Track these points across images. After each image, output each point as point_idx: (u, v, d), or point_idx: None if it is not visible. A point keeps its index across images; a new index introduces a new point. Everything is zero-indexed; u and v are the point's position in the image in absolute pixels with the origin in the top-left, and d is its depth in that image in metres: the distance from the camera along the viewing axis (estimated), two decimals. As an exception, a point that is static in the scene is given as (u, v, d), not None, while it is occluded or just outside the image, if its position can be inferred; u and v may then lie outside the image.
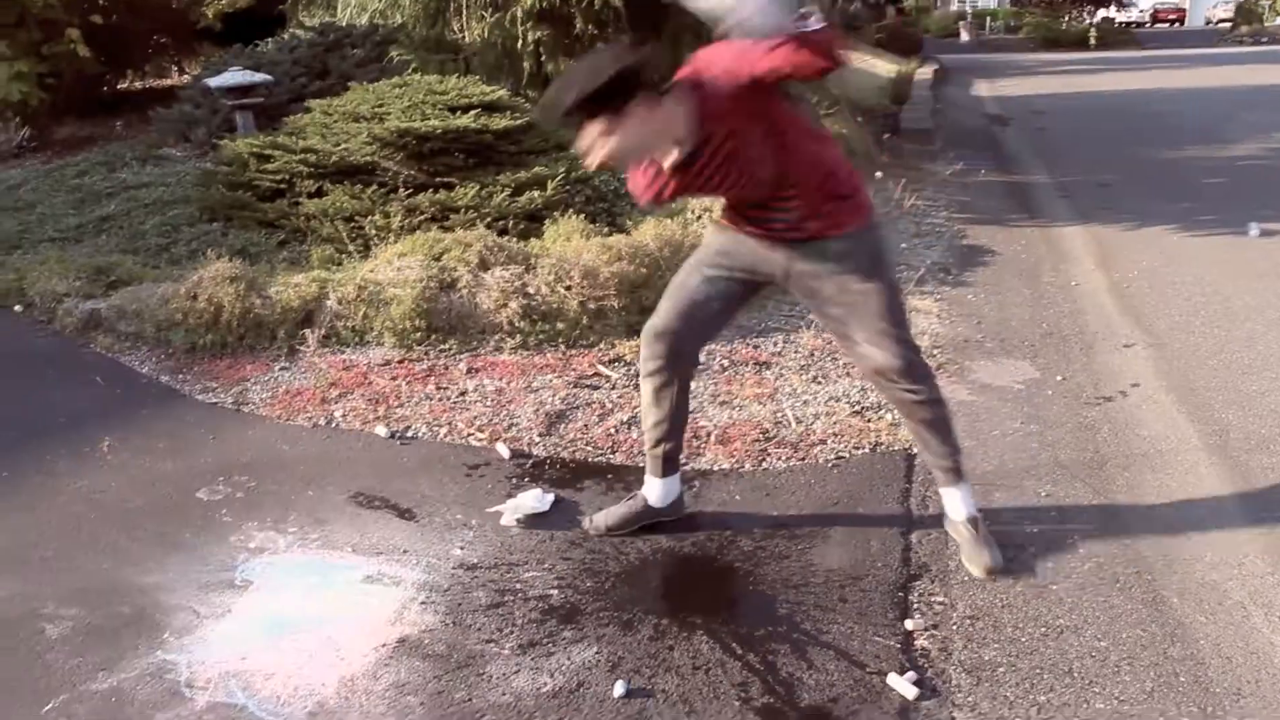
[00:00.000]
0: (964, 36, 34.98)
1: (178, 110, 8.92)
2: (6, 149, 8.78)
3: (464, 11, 8.22)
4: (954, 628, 2.85)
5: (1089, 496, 3.55)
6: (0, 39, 8.90)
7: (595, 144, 2.66)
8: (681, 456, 3.39)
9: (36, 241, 6.36)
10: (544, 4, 7.38)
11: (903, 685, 2.60)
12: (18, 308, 5.50)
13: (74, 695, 2.61)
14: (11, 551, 3.28)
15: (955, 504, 3.20)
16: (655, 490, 3.34)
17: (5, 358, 4.91)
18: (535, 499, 3.50)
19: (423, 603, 2.97)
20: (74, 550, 3.29)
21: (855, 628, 2.85)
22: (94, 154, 8.49)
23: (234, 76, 7.76)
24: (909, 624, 2.86)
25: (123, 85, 11.37)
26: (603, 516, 3.35)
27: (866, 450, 3.92)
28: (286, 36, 9.36)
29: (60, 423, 4.21)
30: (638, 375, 4.48)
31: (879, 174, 9.06)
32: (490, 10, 7.92)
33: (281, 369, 4.67)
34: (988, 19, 38.52)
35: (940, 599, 2.99)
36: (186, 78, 11.15)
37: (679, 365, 3.18)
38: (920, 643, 2.79)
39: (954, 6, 43.99)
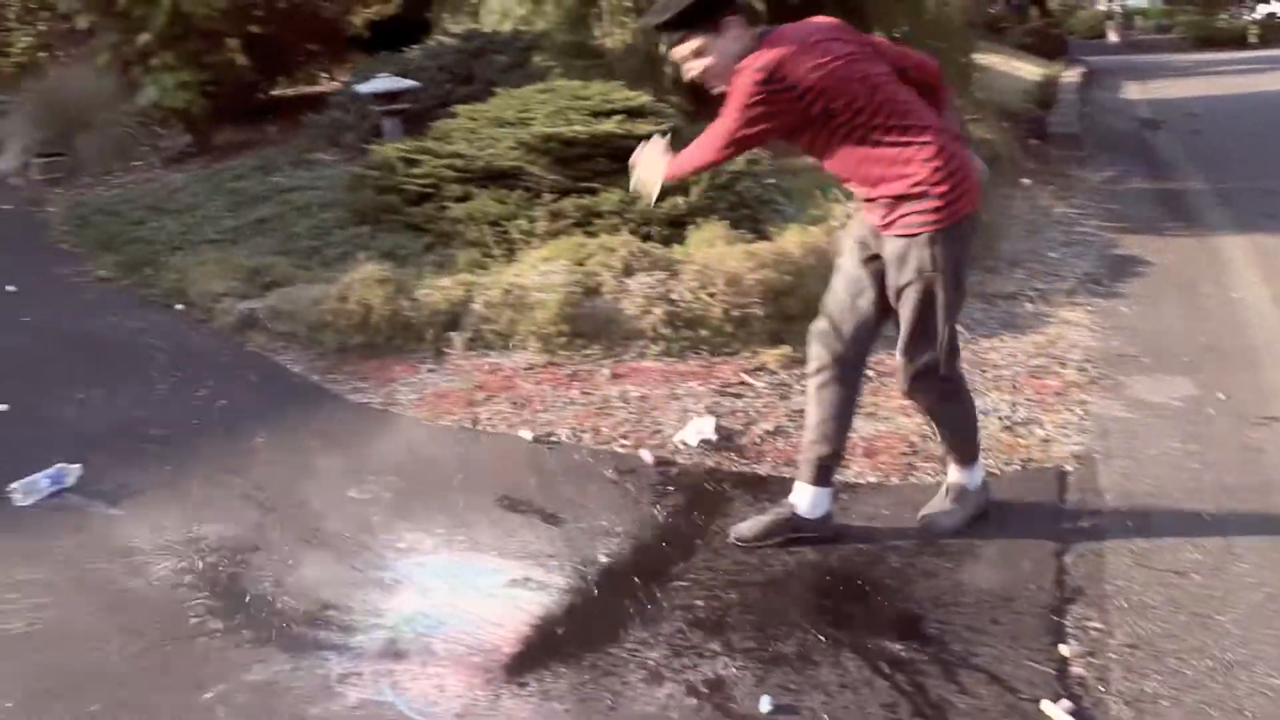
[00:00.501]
0: (1112, 37, 33.85)
1: (328, 116, 9.14)
2: (170, 154, 9.14)
3: (605, 17, 8.26)
4: (1112, 656, 2.75)
5: (1257, 522, 3.38)
6: (167, 50, 9.26)
7: (689, 59, 2.97)
8: (837, 473, 3.37)
9: (196, 243, 6.60)
10: (687, 9, 7.36)
11: (1058, 714, 2.51)
12: (179, 306, 5.72)
13: (232, 685, 2.69)
14: (175, 544, 3.40)
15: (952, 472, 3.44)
16: (804, 499, 3.30)
17: (167, 354, 5.10)
18: (708, 426, 3.95)
19: (568, 608, 2.99)
20: (232, 545, 3.39)
21: (1007, 651, 2.77)
22: (249, 158, 8.78)
23: (382, 83, 7.94)
24: (1064, 649, 2.77)
25: (276, 92, 11.71)
26: (747, 526, 3.33)
27: (1017, 466, 3.82)
28: (432, 43, 9.53)
29: (218, 418, 4.36)
30: (782, 384, 4.48)
31: (1026, 180, 8.83)
32: (632, 16, 7.95)
33: (429, 371, 4.76)
34: (1137, 18, 37.18)
35: (1097, 625, 2.88)
36: (336, 84, 11.44)
37: (837, 365, 3.17)
38: (1076, 670, 2.70)
39: (1100, 6, 42.59)
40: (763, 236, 5.52)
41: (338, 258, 5.89)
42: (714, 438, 3.98)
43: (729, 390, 4.46)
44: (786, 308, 4.90)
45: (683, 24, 2.92)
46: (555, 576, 3.14)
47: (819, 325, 3.20)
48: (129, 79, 9.58)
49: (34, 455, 3.97)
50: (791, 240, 5.17)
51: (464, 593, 3.08)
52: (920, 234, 2.93)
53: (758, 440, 4.03)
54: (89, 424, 4.33)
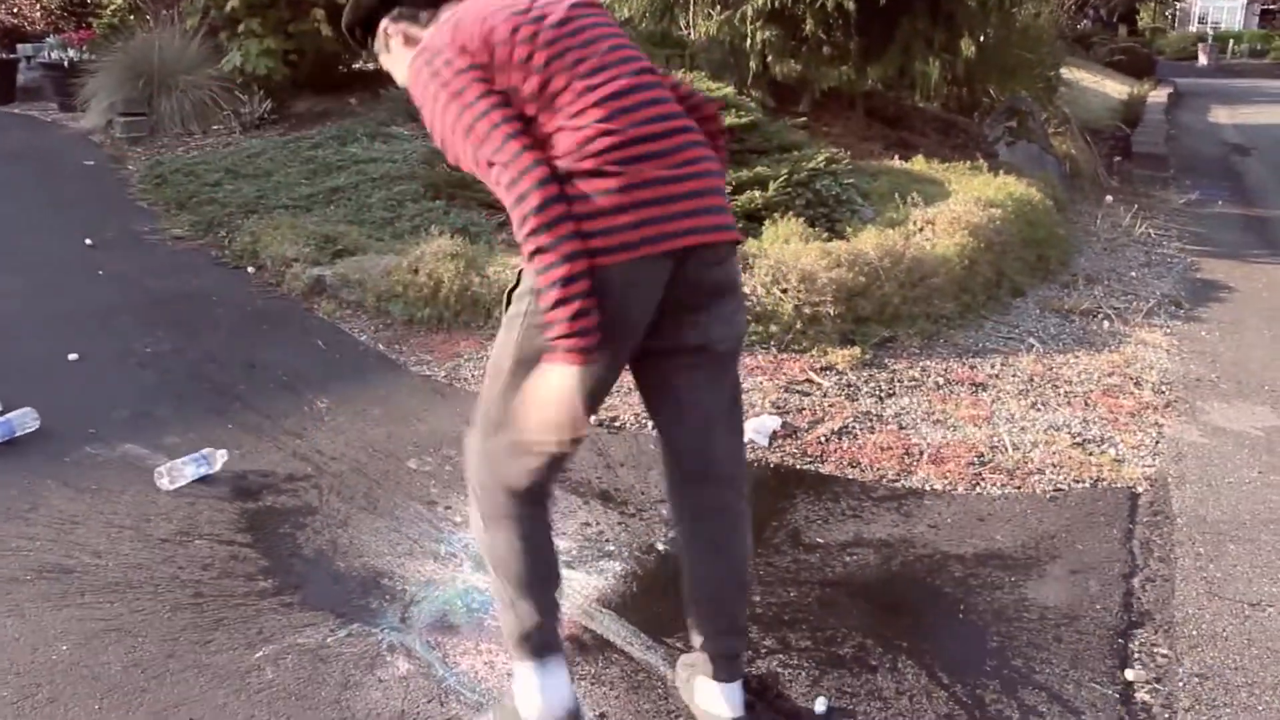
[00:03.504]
0: (1202, 60, 33.24)
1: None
2: (249, 120, 9.22)
3: (692, 7, 8.24)
4: (1180, 684, 2.66)
5: (1338, 557, 3.27)
6: (253, 17, 9.37)
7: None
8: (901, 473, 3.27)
9: (271, 208, 6.65)
10: (774, 4, 7.31)
11: (1122, 740, 2.44)
12: (250, 268, 5.76)
13: (282, 647, 2.69)
14: (233, 502, 3.41)
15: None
16: None
17: (236, 314, 5.14)
18: (769, 425, 3.96)
19: (623, 594, 2.95)
20: (289, 507, 3.40)
21: (1070, 671, 2.69)
22: (327, 128, 8.83)
23: (464, 60, 7.95)
24: (1129, 674, 2.69)
25: (357, 65, 11.78)
26: None
27: (1087, 484, 3.73)
28: (516, 25, 9.53)
29: (282, 380, 4.37)
30: (850, 385, 4.41)
31: (1108, 198, 8.67)
32: (719, 8, 7.90)
33: (494, 348, 4.74)
34: (1230, 42, 36.43)
35: (1164, 651, 2.80)
36: (417, 60, 11.50)
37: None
38: (1141, 696, 2.62)
39: (1193, 28, 41.80)
40: (838, 235, 5.45)
41: (410, 230, 5.91)
42: (765, 443, 3.92)
43: (796, 387, 4.40)
44: (859, 308, 4.83)
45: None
46: (612, 562, 3.11)
47: None
48: (214, 44, 9.70)
49: (99, 405, 4.04)
50: (868, 241, 5.10)
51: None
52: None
53: (822, 439, 3.97)
54: (155, 378, 4.37)
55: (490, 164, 1.97)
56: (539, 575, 2.26)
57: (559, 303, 1.90)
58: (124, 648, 2.66)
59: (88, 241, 6.22)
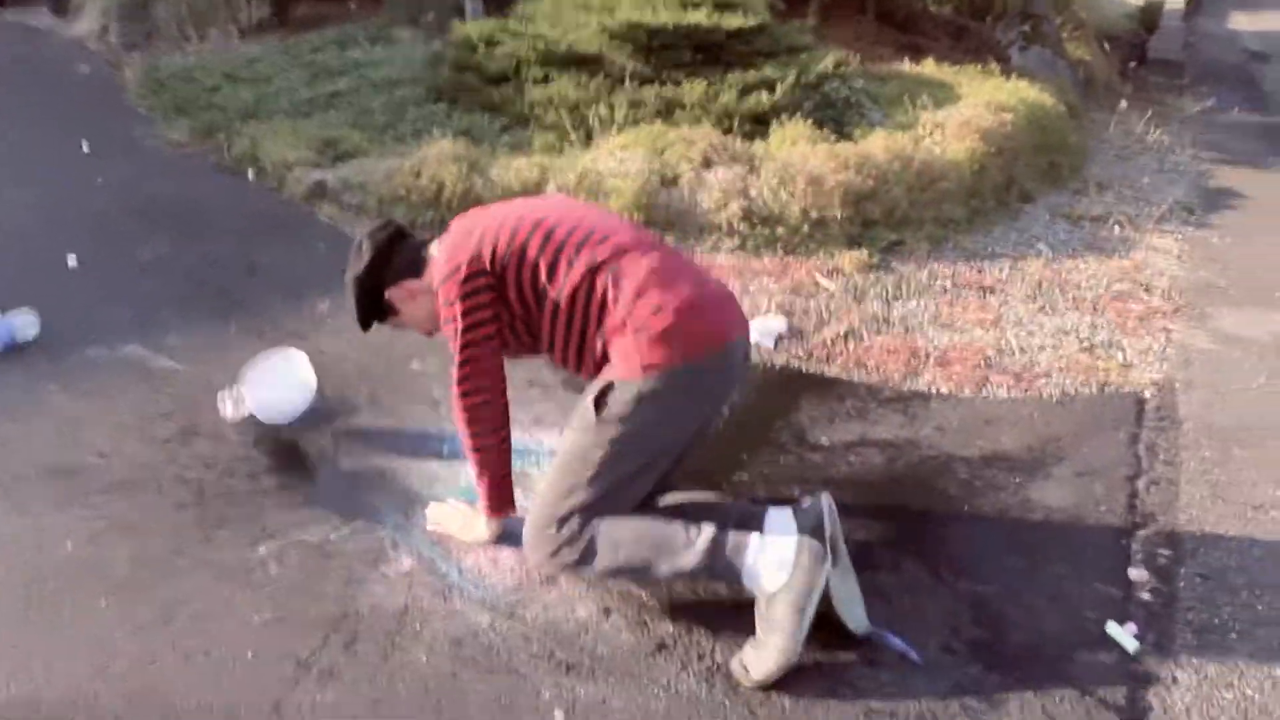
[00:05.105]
0: (1221, -34, 32.52)
1: (410, -6, 9.04)
2: (248, 24, 9.07)
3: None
4: (1181, 584, 2.68)
5: (1344, 461, 3.25)
6: (251, -84, 9.18)
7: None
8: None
9: (271, 113, 6.54)
10: (782, -98, 7.11)
11: (1122, 636, 2.44)
12: (250, 173, 5.69)
13: (286, 543, 2.71)
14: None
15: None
16: None
17: (236, 218, 5.09)
18: (777, 325, 3.96)
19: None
20: (293, 407, 3.38)
21: (1073, 570, 2.70)
22: (328, 33, 8.67)
23: (468, -39, 7.78)
24: (1132, 573, 2.70)
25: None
26: None
27: (1094, 389, 3.71)
28: (519, -74, 9.32)
29: (284, 283, 4.34)
30: (857, 288, 4.37)
31: (1123, 104, 8.52)
32: (727, -94, 7.70)
33: (497, 251, 4.70)
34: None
35: (1167, 552, 2.80)
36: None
37: None
38: (1143, 595, 2.63)
39: (1212, -66, 40.73)
40: (846, 138, 5.36)
41: (412, 134, 5.82)
42: (771, 345, 3.90)
43: (802, 290, 4.36)
44: (867, 212, 4.77)
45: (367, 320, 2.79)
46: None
47: None
48: (212, -54, 9.51)
49: (100, 309, 4.03)
50: (876, 144, 5.01)
51: (519, 469, 3.03)
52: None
53: (828, 342, 3.94)
54: (155, 282, 4.33)
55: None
56: (659, 525, 2.44)
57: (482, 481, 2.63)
58: (129, 545, 2.68)
59: (85, 149, 6.14)
